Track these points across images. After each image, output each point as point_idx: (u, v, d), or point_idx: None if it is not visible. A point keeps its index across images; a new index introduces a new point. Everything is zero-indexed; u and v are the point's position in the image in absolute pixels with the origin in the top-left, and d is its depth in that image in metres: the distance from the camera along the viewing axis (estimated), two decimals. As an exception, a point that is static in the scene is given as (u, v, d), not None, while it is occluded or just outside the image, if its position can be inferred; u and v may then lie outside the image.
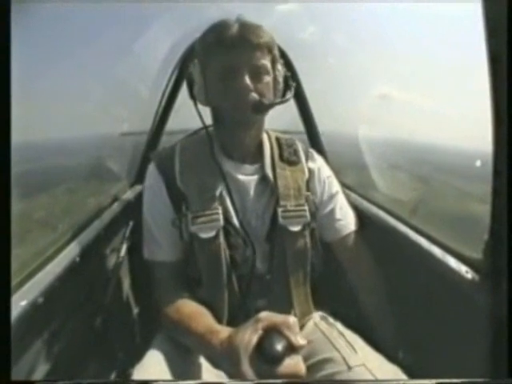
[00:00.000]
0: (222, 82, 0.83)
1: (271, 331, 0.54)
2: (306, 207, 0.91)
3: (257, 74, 0.83)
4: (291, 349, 0.53)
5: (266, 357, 0.52)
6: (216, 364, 0.75)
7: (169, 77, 1.41)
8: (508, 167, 0.51)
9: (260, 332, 0.56)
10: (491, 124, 0.51)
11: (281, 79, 0.89)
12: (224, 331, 0.66)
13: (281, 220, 0.88)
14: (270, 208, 0.91)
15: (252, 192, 0.91)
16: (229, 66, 0.81)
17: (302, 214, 0.90)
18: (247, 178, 0.91)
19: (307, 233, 0.92)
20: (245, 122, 0.85)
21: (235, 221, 0.87)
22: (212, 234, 0.84)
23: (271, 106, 0.85)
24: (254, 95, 0.81)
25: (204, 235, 0.84)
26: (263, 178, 0.92)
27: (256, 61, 0.82)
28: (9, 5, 0.49)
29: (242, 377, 0.53)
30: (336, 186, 1.02)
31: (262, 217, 0.90)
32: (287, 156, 0.96)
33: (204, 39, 0.86)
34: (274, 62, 0.87)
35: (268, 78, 0.85)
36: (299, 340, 0.56)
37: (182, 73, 1.39)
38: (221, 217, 0.84)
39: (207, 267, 0.86)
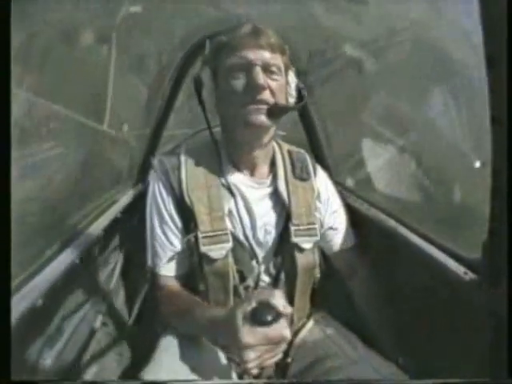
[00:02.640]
0: (233, 82, 0.79)
1: (262, 304, 0.64)
2: (317, 225, 0.91)
3: (269, 71, 0.80)
4: (279, 316, 0.63)
5: (258, 323, 0.62)
6: (217, 341, 0.77)
7: (169, 77, 1.41)
8: (507, 167, 0.51)
9: (253, 304, 0.63)
10: (490, 123, 0.51)
11: (293, 85, 0.86)
12: (223, 310, 0.72)
13: (293, 238, 0.88)
14: (279, 223, 0.90)
15: (261, 207, 0.89)
16: (240, 63, 0.79)
17: (314, 233, 0.91)
18: (257, 192, 0.89)
19: (316, 249, 0.93)
20: (257, 125, 0.80)
21: (244, 238, 0.87)
22: (222, 254, 0.83)
23: (285, 109, 0.82)
24: (268, 94, 0.79)
25: (214, 255, 0.83)
26: (274, 193, 0.90)
27: (268, 59, 0.79)
28: (9, 5, 0.49)
29: (239, 341, 0.61)
30: (338, 202, 1.02)
31: (270, 232, 0.90)
32: (299, 172, 0.94)
33: (214, 42, 0.84)
34: (286, 68, 0.85)
35: (281, 80, 0.82)
36: (285, 307, 0.64)
37: (183, 74, 1.39)
38: (230, 237, 0.84)
39: (215, 282, 0.85)
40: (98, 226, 1.05)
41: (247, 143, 0.86)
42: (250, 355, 0.61)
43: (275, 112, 0.80)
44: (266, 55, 0.79)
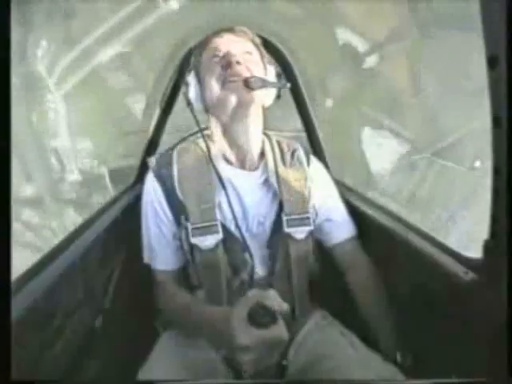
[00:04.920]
0: (211, 69, 0.86)
1: (258, 305, 0.64)
2: (310, 215, 0.91)
3: (244, 54, 0.87)
4: (276, 317, 0.63)
5: (255, 325, 0.61)
6: (214, 341, 0.78)
7: (168, 82, 1.41)
8: (508, 167, 0.51)
9: (249, 306, 0.64)
10: (490, 123, 0.51)
11: (274, 72, 0.92)
12: (221, 310, 0.74)
13: (286, 228, 0.88)
14: (271, 214, 0.91)
15: (253, 198, 0.90)
16: (216, 51, 0.86)
17: (307, 222, 0.91)
18: (248, 183, 0.91)
19: (310, 239, 0.93)
20: (240, 102, 0.84)
21: (236, 230, 0.88)
22: (212, 245, 0.85)
23: (263, 81, 0.85)
24: (243, 69, 0.84)
25: (204, 246, 0.85)
26: (265, 184, 0.92)
27: (242, 45, 0.88)
28: (9, 5, 0.49)
29: (236, 343, 0.61)
30: (335, 192, 1.03)
31: (263, 223, 0.90)
32: (289, 160, 0.95)
33: (195, 47, 0.95)
34: (262, 57, 0.92)
35: (257, 61, 0.89)
36: (280, 304, 0.65)
37: (181, 75, 1.39)
38: (220, 228, 0.85)
39: (207, 275, 0.87)
40: (98, 227, 1.05)
41: (235, 133, 0.89)
42: (247, 357, 0.61)
43: (252, 83, 0.83)
44: (239, 43, 0.88)
